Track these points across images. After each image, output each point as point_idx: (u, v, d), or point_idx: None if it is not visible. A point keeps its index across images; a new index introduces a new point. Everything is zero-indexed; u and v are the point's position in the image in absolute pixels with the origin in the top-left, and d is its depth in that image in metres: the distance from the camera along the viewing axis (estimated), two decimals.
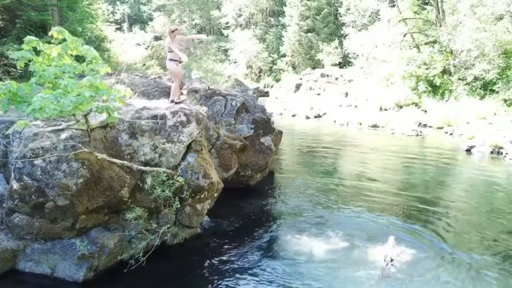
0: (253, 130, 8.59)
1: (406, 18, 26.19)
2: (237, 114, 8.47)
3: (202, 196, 6.19)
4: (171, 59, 6.69)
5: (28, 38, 4.31)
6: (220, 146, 7.73)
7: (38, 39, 4.39)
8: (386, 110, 22.66)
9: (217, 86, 9.40)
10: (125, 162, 5.34)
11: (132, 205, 5.48)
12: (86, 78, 3.95)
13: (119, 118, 5.65)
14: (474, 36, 19.58)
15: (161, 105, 6.51)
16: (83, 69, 4.17)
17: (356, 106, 25.65)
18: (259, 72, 45.13)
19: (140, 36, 38.66)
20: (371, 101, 24.34)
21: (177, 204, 5.73)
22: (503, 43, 19.43)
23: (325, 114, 24.10)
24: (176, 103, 6.47)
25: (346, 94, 29.05)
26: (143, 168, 5.53)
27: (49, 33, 4.41)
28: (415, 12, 27.45)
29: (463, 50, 20.43)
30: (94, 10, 15.84)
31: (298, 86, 35.09)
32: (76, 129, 5.03)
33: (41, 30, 11.27)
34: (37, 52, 4.44)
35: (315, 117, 23.63)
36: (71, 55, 4.51)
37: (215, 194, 6.66)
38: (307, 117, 23.43)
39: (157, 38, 40.58)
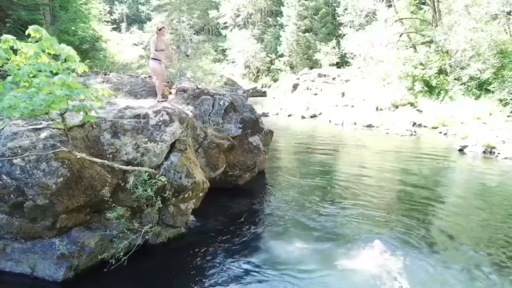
0: (241, 130, 8.56)
1: (403, 18, 26.20)
2: (225, 114, 8.45)
3: (186, 195, 6.16)
4: (154, 58, 6.68)
5: (4, 37, 4.30)
6: (208, 145, 7.71)
7: (15, 38, 4.37)
8: (382, 110, 22.66)
9: (205, 85, 9.38)
10: (106, 161, 5.32)
11: (114, 205, 5.46)
12: (57, 76, 3.93)
13: (101, 117, 5.64)
14: (469, 36, 19.58)
15: (145, 105, 6.49)
16: (58, 68, 4.15)
17: (352, 106, 25.66)
18: (257, 72, 45.16)
19: (138, 36, 38.69)
20: (367, 101, 24.34)
21: (159, 204, 5.71)
22: (498, 43, 19.44)
23: (321, 114, 24.07)
24: (158, 101, 6.46)
25: (343, 94, 29.07)
26: (124, 167, 5.51)
27: (26, 32, 4.39)
28: (411, 12, 27.45)
29: (458, 50, 20.43)
30: (87, 10, 15.79)
31: (295, 86, 35.18)
32: (54, 128, 5.00)
33: None
34: (16, 51, 4.43)
35: (311, 117, 23.60)
36: (49, 53, 4.50)
37: (200, 194, 6.63)
38: (303, 117, 23.41)
39: None
